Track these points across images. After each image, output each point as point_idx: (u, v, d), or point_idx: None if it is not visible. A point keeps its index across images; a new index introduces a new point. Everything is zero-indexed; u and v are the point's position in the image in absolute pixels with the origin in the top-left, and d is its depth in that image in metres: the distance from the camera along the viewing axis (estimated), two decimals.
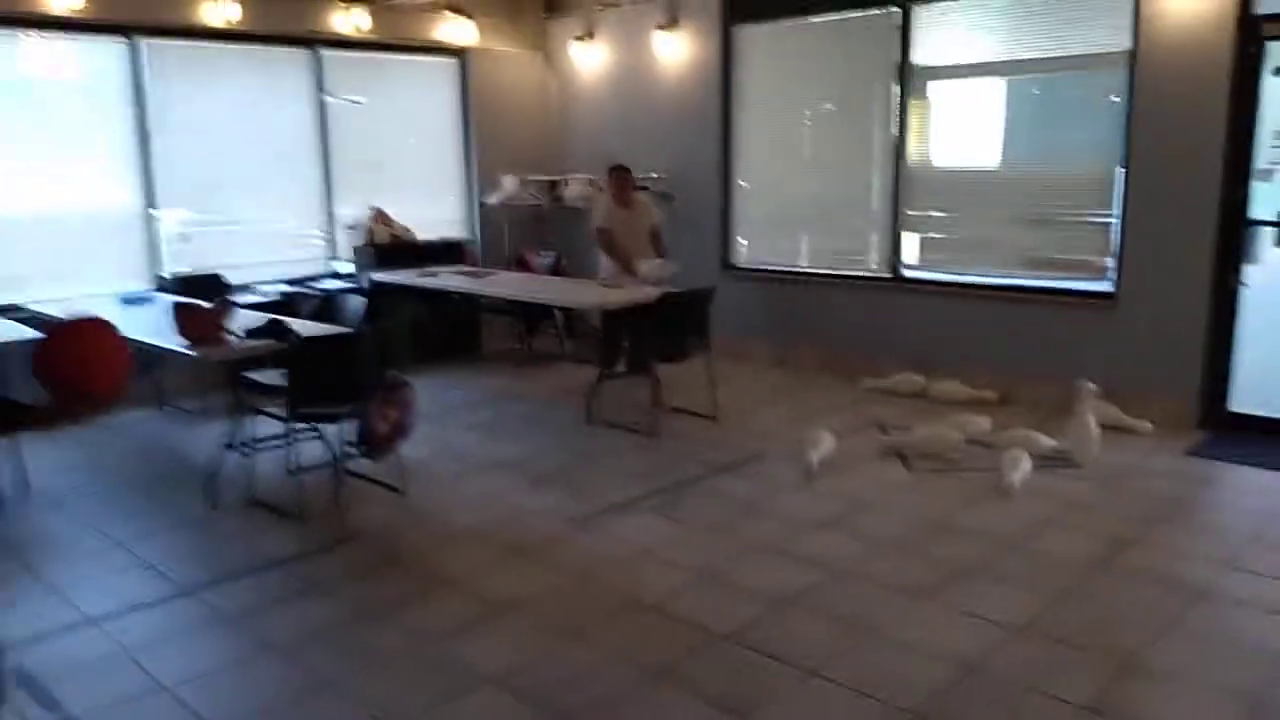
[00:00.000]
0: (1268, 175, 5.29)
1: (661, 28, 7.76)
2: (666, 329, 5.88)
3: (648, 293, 6.06)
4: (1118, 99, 5.69)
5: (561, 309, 7.73)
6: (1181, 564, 3.87)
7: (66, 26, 6.24)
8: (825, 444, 5.20)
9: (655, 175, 7.77)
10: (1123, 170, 5.70)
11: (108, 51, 6.50)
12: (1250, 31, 5.21)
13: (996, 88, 6.38)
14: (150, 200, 6.75)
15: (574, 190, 8.30)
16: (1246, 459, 5.10)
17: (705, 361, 6.09)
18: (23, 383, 5.45)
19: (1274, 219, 5.30)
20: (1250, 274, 5.42)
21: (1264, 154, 5.27)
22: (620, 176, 6.96)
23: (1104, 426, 5.23)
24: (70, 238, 6.48)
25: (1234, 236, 5.39)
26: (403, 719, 2.87)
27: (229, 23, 6.76)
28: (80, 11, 6.13)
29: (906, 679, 3.04)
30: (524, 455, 5.39)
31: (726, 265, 7.79)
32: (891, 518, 4.39)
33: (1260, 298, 5.42)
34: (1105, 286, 5.91)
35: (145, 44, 6.59)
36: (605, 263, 6.94)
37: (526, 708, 2.91)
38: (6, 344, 4.79)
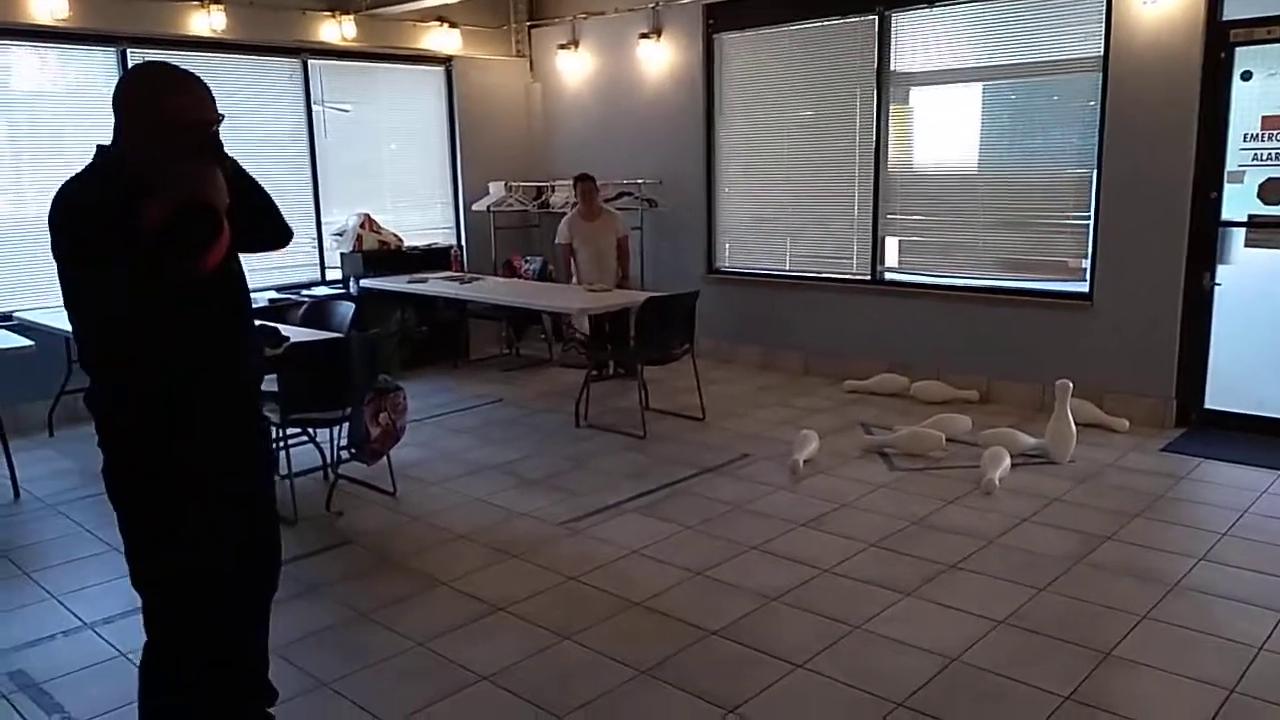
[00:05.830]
0: (1238, 177, 5.41)
1: (644, 36, 7.84)
2: (653, 332, 5.95)
3: (634, 297, 6.13)
4: (1093, 104, 5.81)
5: (549, 313, 7.80)
6: (1156, 558, 3.98)
7: (53, 36, 6.27)
8: (810, 444, 5.29)
9: (640, 181, 7.85)
10: (1096, 173, 5.82)
11: (96, 61, 6.53)
12: (1219, 37, 5.33)
13: (974, 93, 6.48)
14: None
15: (560, 196, 8.37)
16: (1222, 455, 5.21)
17: (691, 364, 6.18)
18: (10, 388, 5.51)
19: (1245, 220, 5.43)
20: (1223, 274, 5.55)
21: (1234, 156, 5.39)
22: (584, 187, 6.97)
23: (1082, 424, 5.34)
24: None
25: (1207, 237, 5.52)
26: (402, 717, 2.93)
27: (214, 31, 6.80)
28: (66, 21, 6.16)
29: (891, 671, 3.12)
30: (514, 458, 5.46)
31: (711, 269, 7.88)
32: (875, 516, 4.48)
33: (1233, 297, 5.55)
34: (1081, 287, 6.02)
35: (133, 54, 6.61)
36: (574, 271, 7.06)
37: (523, 704, 2.98)
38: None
